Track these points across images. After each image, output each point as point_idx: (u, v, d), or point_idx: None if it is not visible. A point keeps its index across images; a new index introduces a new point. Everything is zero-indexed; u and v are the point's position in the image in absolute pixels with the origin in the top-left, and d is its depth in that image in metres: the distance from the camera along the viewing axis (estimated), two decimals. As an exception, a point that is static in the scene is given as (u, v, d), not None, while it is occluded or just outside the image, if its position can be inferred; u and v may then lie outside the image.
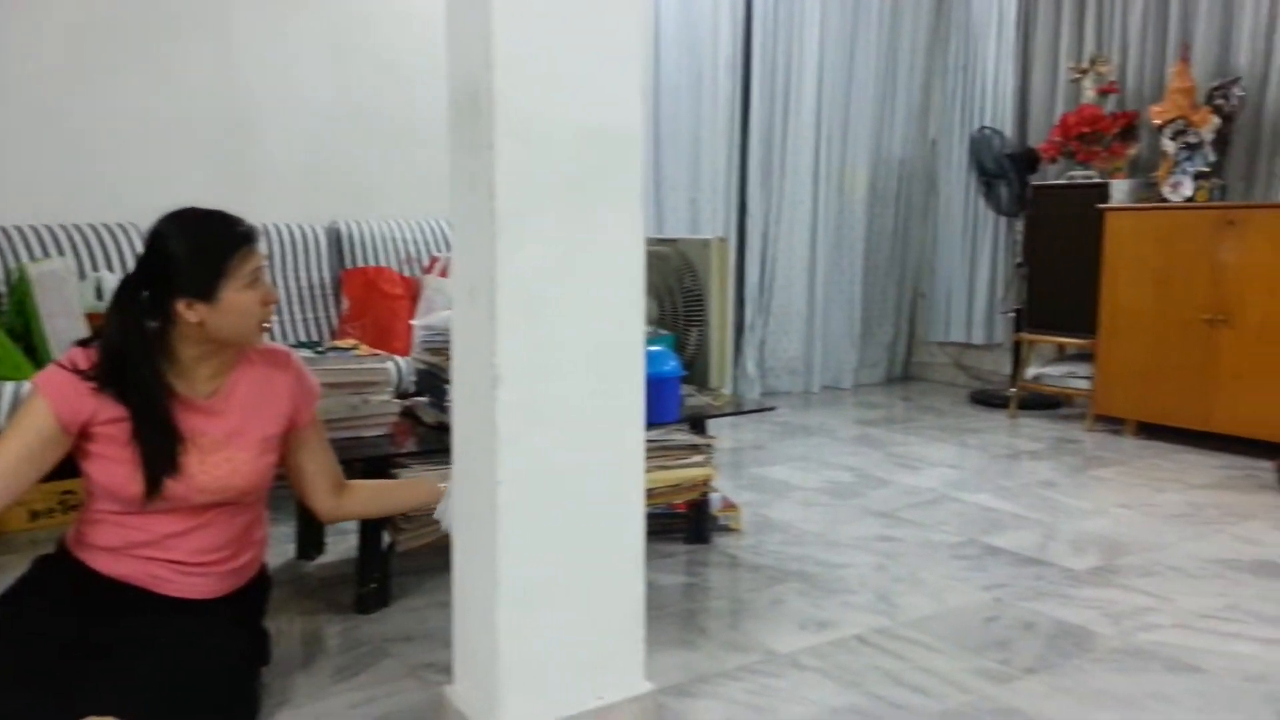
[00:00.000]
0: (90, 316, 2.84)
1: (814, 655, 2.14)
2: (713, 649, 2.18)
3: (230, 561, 1.91)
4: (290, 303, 3.51)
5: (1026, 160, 4.87)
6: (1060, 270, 4.72)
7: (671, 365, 2.66)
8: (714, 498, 3.02)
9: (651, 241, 3.10)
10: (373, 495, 2.14)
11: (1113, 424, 4.50)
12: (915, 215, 5.83)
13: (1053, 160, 4.82)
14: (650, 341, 2.82)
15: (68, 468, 1.78)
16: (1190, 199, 4.17)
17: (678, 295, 2.90)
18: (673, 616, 2.36)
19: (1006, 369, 5.23)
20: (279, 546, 2.85)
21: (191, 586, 1.86)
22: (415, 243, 3.81)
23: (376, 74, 3.97)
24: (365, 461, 2.35)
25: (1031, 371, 4.88)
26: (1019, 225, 5.05)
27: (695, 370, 2.93)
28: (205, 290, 1.74)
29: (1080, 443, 4.30)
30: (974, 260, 5.58)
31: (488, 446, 1.57)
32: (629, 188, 1.64)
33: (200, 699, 1.67)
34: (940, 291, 5.79)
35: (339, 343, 2.62)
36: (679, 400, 2.70)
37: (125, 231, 3.30)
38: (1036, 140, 5.08)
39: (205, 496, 1.81)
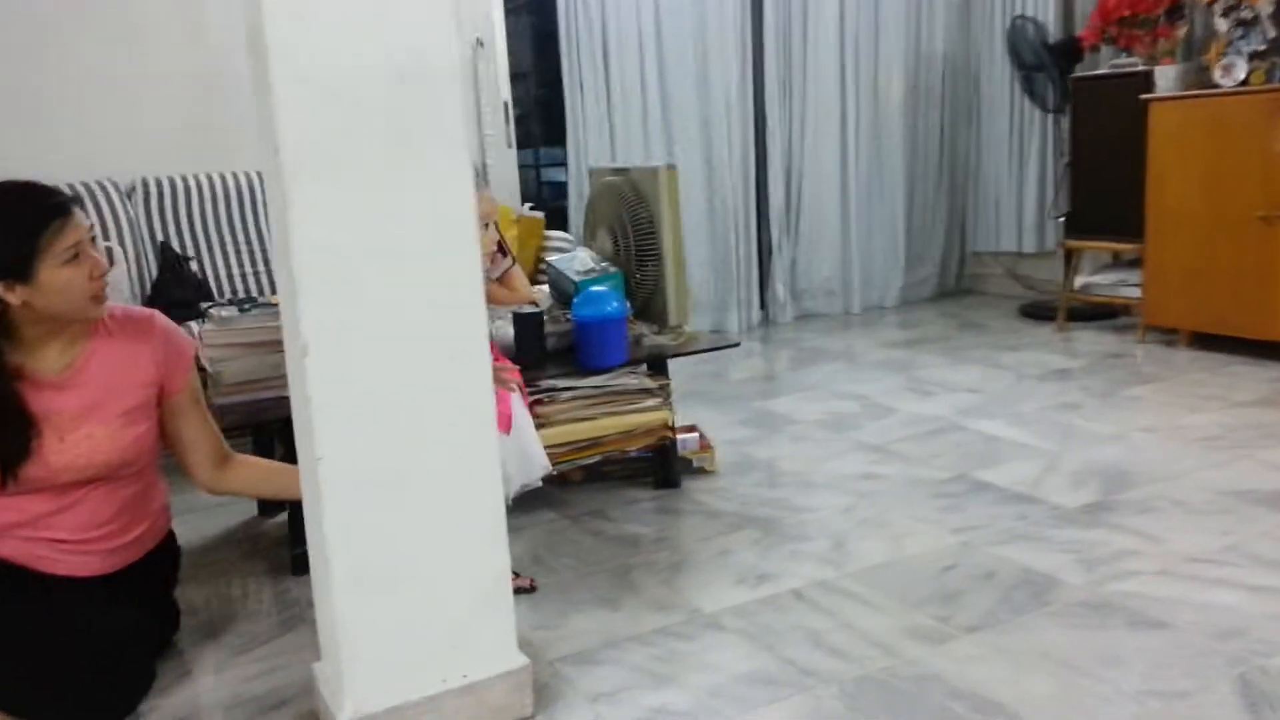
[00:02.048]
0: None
1: (739, 615, 2.00)
2: (635, 609, 2.06)
3: (118, 537, 1.87)
4: (254, 256, 3.50)
5: (1065, 50, 4.44)
6: (1107, 169, 4.31)
7: (614, 306, 2.51)
8: (689, 439, 2.88)
9: (603, 172, 2.92)
10: (263, 477, 2.04)
11: (1167, 335, 4.14)
12: (961, 117, 5.42)
13: (1094, 48, 4.38)
14: (596, 281, 2.68)
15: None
16: (1244, 82, 3.72)
17: (630, 229, 2.73)
18: (606, 573, 2.25)
19: (1061, 278, 4.86)
20: (246, 504, 2.84)
21: (78, 564, 1.83)
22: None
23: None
24: (286, 422, 2.28)
25: (1080, 281, 4.52)
26: (1065, 121, 4.63)
27: (653, 308, 2.76)
28: (20, 271, 1.66)
29: (1128, 357, 3.98)
30: (1022, 162, 5.16)
31: (304, 420, 1.47)
32: (445, 134, 1.47)
33: (73, 682, 1.65)
34: (988, 198, 5.40)
35: (271, 299, 2.55)
36: (625, 341, 2.56)
37: (104, 189, 3.31)
38: (1083, 28, 4.62)
39: (70, 475, 1.77)
